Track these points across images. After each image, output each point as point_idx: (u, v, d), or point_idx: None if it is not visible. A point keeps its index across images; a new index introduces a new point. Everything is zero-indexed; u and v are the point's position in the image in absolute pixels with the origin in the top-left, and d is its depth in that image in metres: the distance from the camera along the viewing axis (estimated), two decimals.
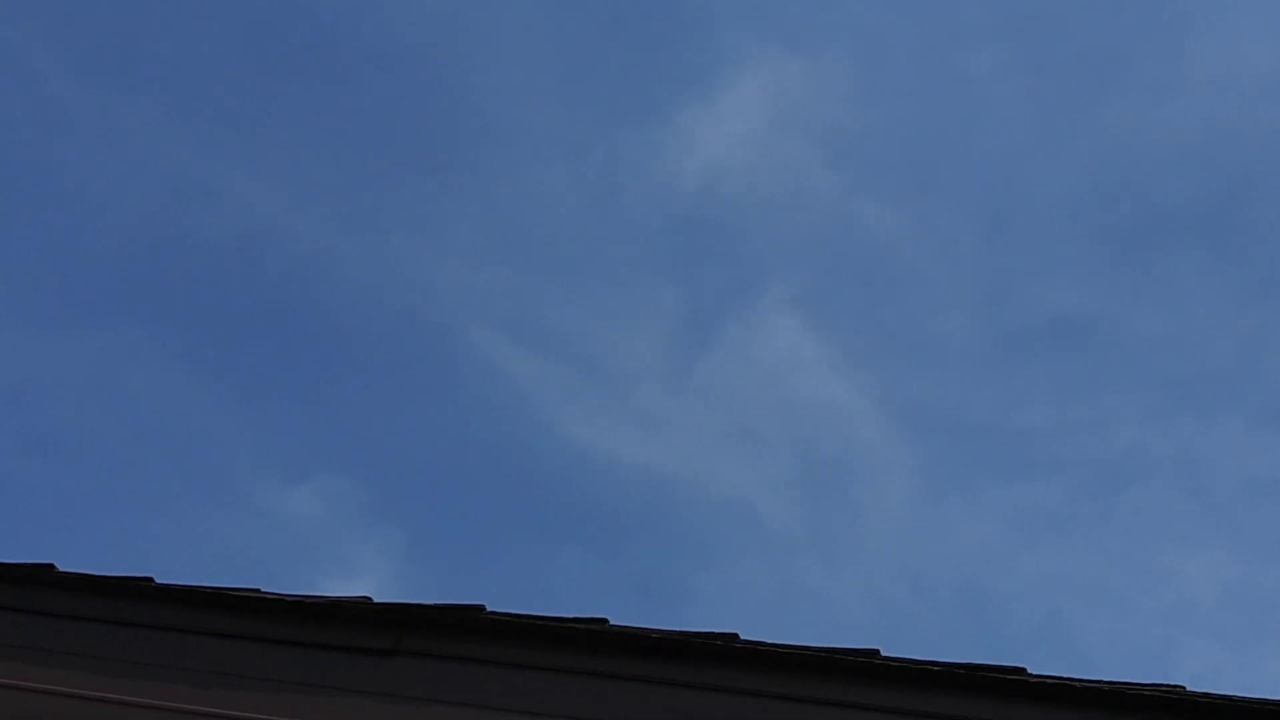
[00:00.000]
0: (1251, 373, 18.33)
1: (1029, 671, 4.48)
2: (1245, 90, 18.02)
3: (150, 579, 5.22)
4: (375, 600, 5.05)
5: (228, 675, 5.02)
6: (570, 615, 4.87)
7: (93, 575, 5.28)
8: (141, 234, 18.25)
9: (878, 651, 4.61)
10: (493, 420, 19.04)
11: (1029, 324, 18.88)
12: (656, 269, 19.22)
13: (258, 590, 5.13)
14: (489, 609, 4.93)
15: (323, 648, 5.00)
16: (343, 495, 18.37)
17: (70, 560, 5.37)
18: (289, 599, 5.07)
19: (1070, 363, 18.87)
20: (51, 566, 5.33)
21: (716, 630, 4.74)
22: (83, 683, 5.08)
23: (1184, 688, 4.39)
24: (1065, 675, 4.46)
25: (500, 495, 18.71)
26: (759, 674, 4.66)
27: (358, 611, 5.02)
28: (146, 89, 18.04)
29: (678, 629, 4.77)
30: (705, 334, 19.20)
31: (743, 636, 4.73)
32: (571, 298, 19.00)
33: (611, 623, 4.83)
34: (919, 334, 18.84)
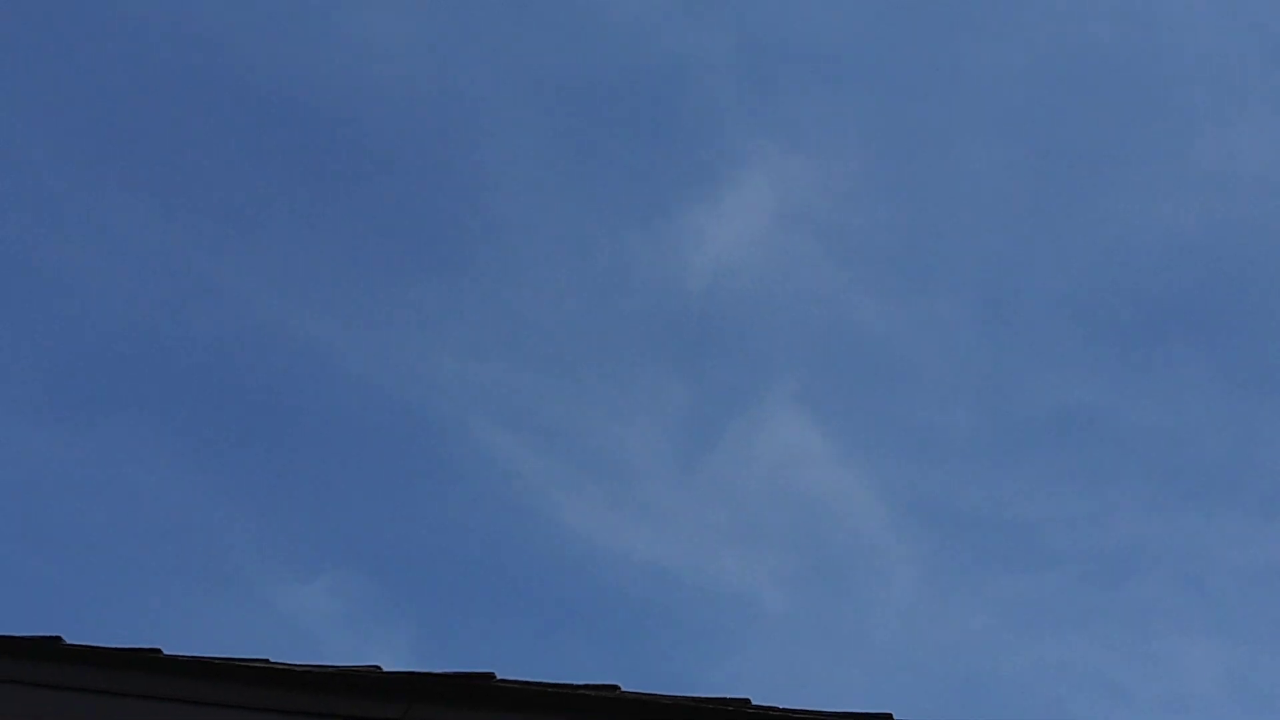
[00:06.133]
0: (1249, 465, 18.32)
1: None
2: (1242, 187, 18.15)
3: (158, 650, 5.20)
4: (385, 669, 5.03)
5: None
6: (581, 682, 4.84)
7: (100, 647, 5.26)
8: (143, 330, 18.31)
9: (891, 716, 4.58)
10: (499, 515, 19.01)
11: (1029, 418, 18.89)
12: (662, 365, 19.27)
13: (266, 660, 5.11)
14: (499, 677, 4.90)
15: (333, 718, 4.96)
16: (352, 590, 18.30)
17: None
18: (298, 669, 5.05)
19: (1070, 456, 18.87)
20: (59, 639, 5.31)
21: (728, 696, 4.71)
22: None
23: None
24: None
25: (508, 588, 18.65)
26: None
27: (367, 681, 4.99)
28: (145, 185, 18.17)
29: (689, 695, 4.74)
30: (710, 429, 19.20)
31: (755, 702, 4.70)
32: (577, 394, 19.03)
33: (623, 689, 4.80)
34: (921, 428, 18.85)
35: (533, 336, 18.95)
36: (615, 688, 4.81)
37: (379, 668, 5.03)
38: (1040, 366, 18.86)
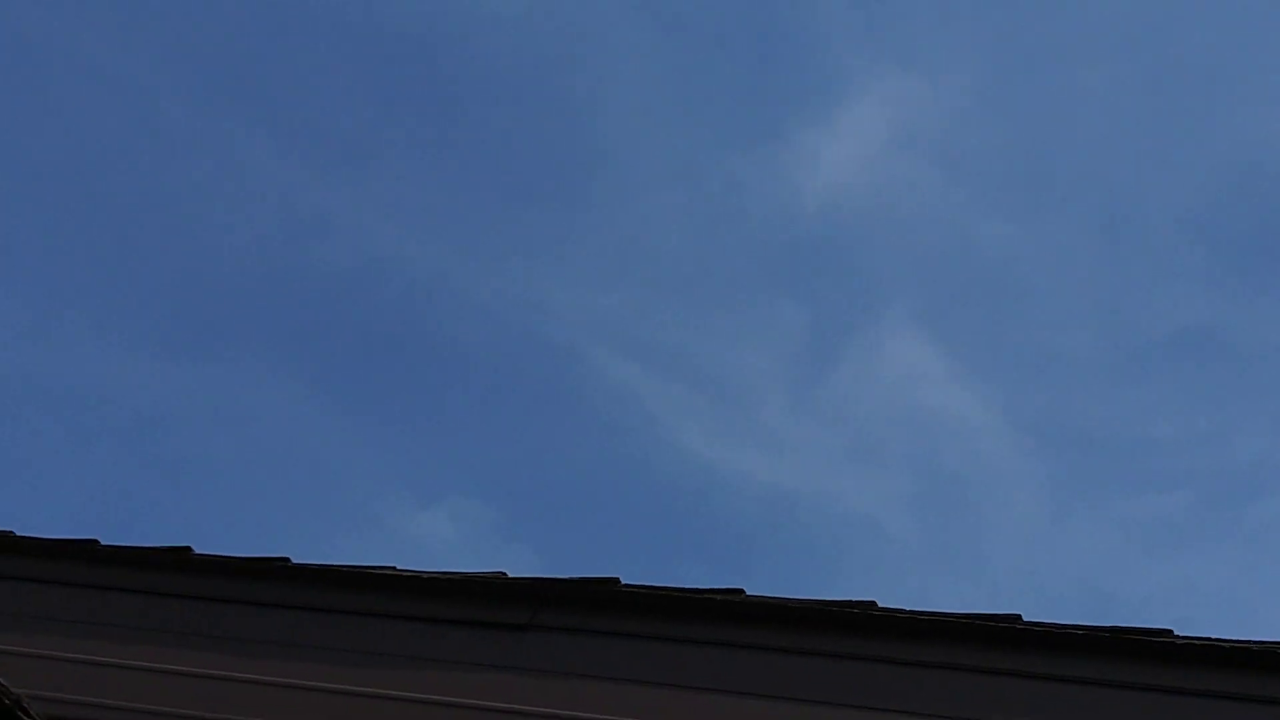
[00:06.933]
0: None
1: (1175, 633, 4.38)
2: None
3: (286, 559, 5.25)
4: (510, 575, 5.05)
5: (364, 653, 5.03)
6: (705, 586, 4.83)
7: (229, 556, 5.32)
8: (262, 263, 18.46)
9: (1019, 616, 4.53)
10: (618, 440, 19.03)
11: (1152, 336, 18.60)
12: (778, 288, 19.15)
13: (393, 568, 5.14)
14: (623, 582, 4.90)
15: (459, 624, 5.00)
16: (473, 516, 18.43)
17: None
18: (424, 575, 5.08)
19: (1193, 374, 18.56)
20: (188, 549, 5.38)
21: (854, 599, 4.69)
22: (221, 664, 5.12)
23: None
24: (1212, 636, 4.35)
25: (628, 515, 18.70)
26: (898, 641, 4.59)
27: (493, 587, 5.02)
28: (263, 119, 18.27)
29: (816, 598, 4.71)
30: (828, 352, 19.09)
31: (880, 604, 4.67)
32: (694, 318, 18.98)
33: (748, 593, 4.79)
34: (1042, 348, 18.61)
35: (647, 262, 18.92)
36: (740, 591, 4.80)
37: (504, 574, 5.05)
38: (1161, 284, 18.57)
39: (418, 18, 18.10)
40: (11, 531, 5.60)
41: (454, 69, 18.35)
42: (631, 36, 18.22)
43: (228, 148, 17.89)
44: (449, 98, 18.50)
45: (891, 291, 18.75)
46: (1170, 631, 4.37)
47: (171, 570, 5.39)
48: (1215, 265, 18.28)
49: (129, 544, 5.50)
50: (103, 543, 5.47)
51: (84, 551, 5.48)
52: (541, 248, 18.55)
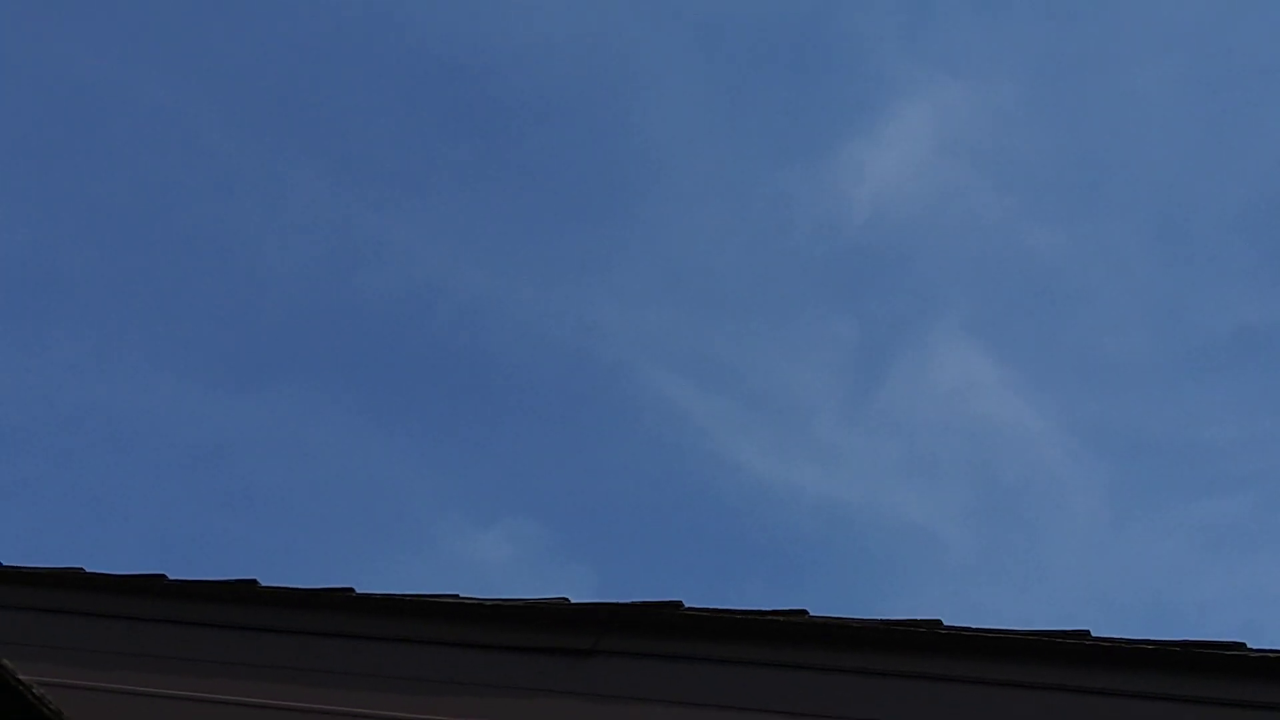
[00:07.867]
0: None
1: (1249, 647, 4.34)
2: None
3: (350, 589, 5.26)
4: (573, 601, 5.05)
5: (430, 681, 5.04)
6: (768, 608, 4.82)
7: (294, 588, 5.34)
8: (315, 291, 18.56)
9: (1088, 632, 4.49)
10: (672, 457, 19.03)
11: (1210, 338, 18.47)
12: (828, 301, 19.13)
13: (456, 596, 5.15)
14: (686, 605, 4.90)
15: (523, 650, 5.00)
16: (530, 537, 18.46)
17: None
18: (488, 603, 5.08)
19: (1254, 375, 18.42)
20: (254, 581, 5.39)
21: (919, 618, 4.66)
22: (288, 694, 5.14)
23: None
24: None
25: (683, 531, 18.69)
26: (965, 660, 4.56)
27: (557, 612, 5.01)
28: (310, 150, 18.37)
29: (879, 618, 4.69)
30: (880, 363, 19.05)
31: (946, 623, 4.65)
32: (744, 333, 18.96)
33: (811, 614, 4.77)
34: (1098, 353, 18.51)
35: (696, 278, 18.92)
36: (803, 612, 4.78)
37: (567, 599, 5.05)
38: (1218, 285, 18.44)
39: (463, 42, 18.18)
40: (81, 568, 5.64)
41: (500, 92, 18.41)
42: (676, 55, 18.25)
43: (277, 178, 18.00)
44: (495, 121, 18.57)
45: (942, 300, 18.69)
46: (1243, 645, 4.32)
47: (238, 603, 5.41)
48: (1272, 264, 18.14)
49: (194, 577, 5.53)
50: (170, 577, 5.50)
51: (151, 586, 5.51)
52: (591, 267, 18.59)
